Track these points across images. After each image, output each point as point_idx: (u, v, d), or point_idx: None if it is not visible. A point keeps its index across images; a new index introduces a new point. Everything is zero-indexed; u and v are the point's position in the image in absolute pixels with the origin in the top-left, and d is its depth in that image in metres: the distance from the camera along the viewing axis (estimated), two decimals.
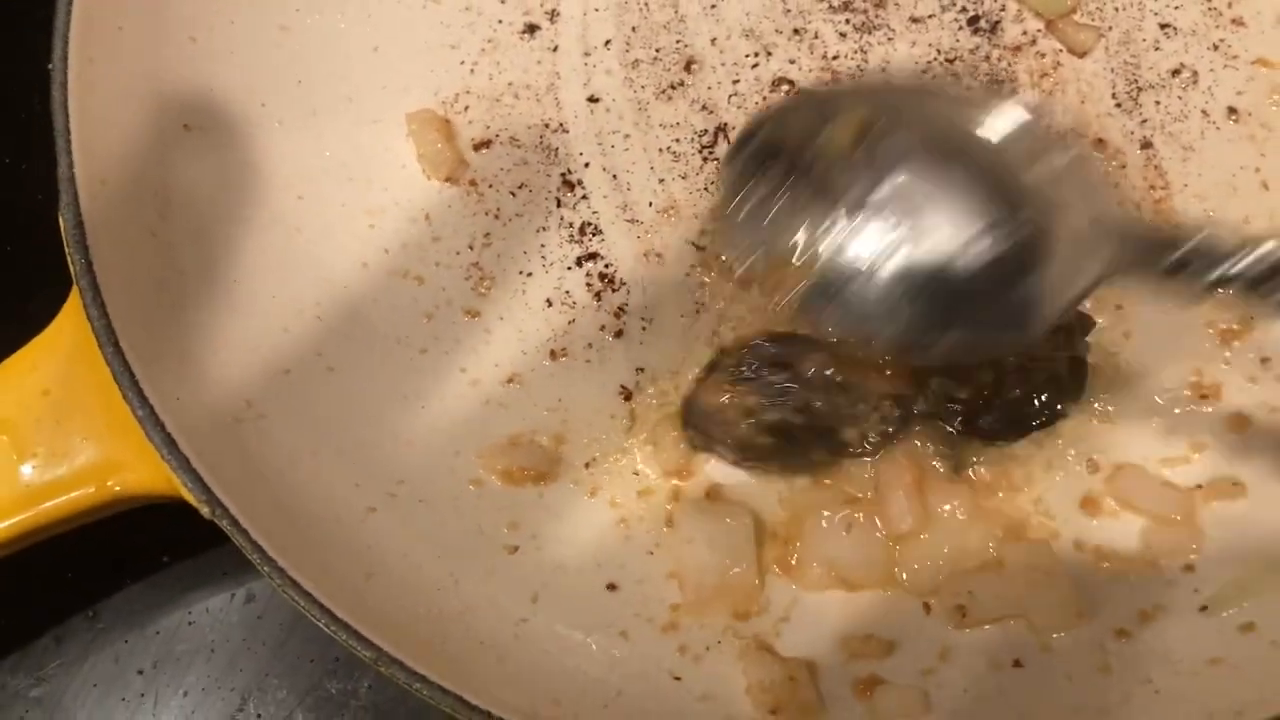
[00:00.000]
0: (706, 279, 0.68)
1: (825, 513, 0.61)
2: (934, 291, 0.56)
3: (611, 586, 0.63)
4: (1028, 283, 0.56)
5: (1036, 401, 0.61)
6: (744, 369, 0.61)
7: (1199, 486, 0.62)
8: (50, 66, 0.61)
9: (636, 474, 0.64)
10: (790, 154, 0.59)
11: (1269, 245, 0.51)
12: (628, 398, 0.66)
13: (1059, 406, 0.62)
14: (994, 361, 0.59)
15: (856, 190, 0.57)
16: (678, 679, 0.59)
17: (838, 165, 0.58)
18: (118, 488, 0.57)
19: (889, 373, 0.61)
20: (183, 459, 0.54)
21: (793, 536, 0.62)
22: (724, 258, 0.65)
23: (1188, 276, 0.52)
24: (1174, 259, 0.52)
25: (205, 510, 0.54)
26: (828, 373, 0.60)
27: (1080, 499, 0.63)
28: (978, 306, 0.56)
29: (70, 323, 0.60)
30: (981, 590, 0.60)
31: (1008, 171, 0.57)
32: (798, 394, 0.59)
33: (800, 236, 0.58)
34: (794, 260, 0.58)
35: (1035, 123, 0.57)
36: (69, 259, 0.58)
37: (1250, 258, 0.51)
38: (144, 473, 0.57)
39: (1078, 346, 0.60)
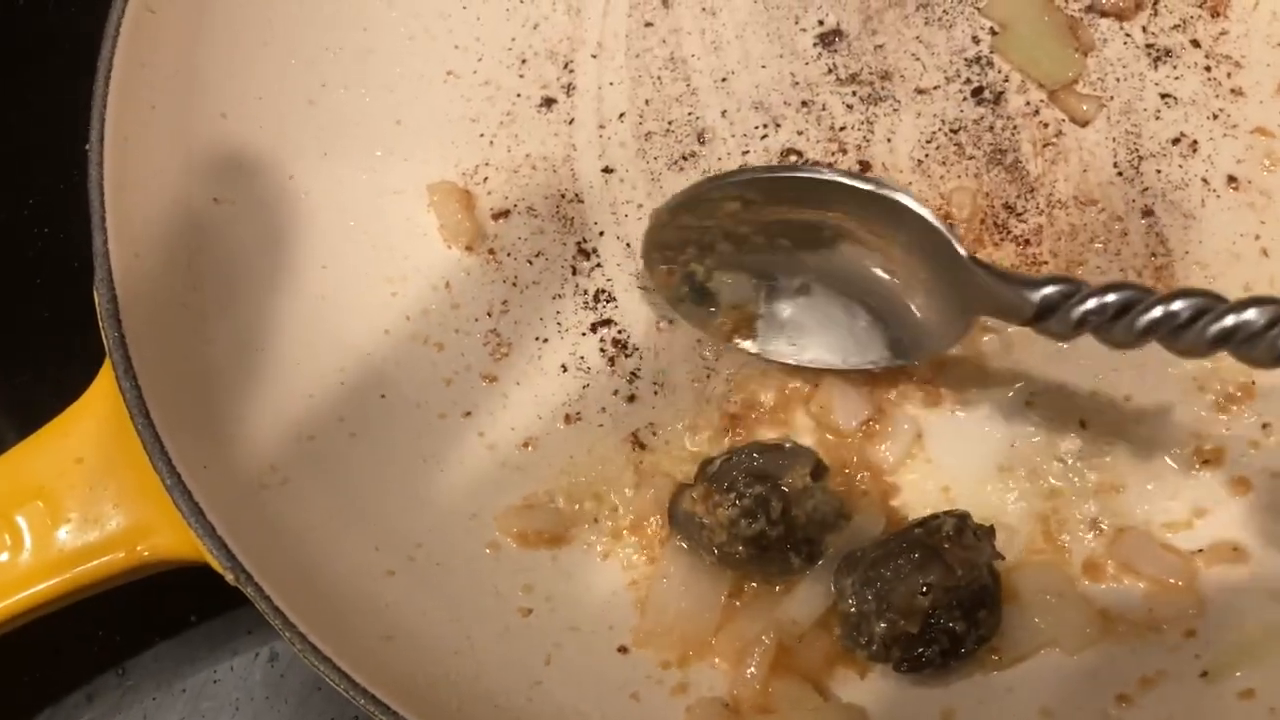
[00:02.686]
0: (707, 350, 0.70)
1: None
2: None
3: (623, 649, 0.64)
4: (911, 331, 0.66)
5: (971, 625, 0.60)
6: (726, 480, 0.62)
7: (1200, 551, 0.63)
8: (87, 147, 0.64)
9: (646, 538, 0.66)
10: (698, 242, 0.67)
11: (1112, 296, 0.56)
12: (639, 463, 0.67)
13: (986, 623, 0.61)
14: (928, 595, 0.59)
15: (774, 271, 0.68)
16: None
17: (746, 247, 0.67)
18: (147, 553, 0.60)
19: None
20: (208, 527, 0.57)
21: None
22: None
23: (1052, 324, 0.57)
24: (1033, 312, 0.58)
25: (230, 577, 0.56)
26: (809, 483, 0.62)
27: (1082, 563, 0.64)
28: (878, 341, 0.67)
29: (103, 392, 0.62)
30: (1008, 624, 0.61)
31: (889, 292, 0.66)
32: (776, 505, 0.61)
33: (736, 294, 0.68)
34: (742, 307, 0.68)
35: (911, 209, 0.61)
36: (102, 331, 0.60)
37: (1103, 300, 0.56)
38: (172, 539, 0.59)
39: (990, 554, 0.60)
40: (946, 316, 0.63)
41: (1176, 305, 0.55)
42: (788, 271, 0.68)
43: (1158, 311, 0.55)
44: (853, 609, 0.60)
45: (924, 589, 0.58)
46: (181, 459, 0.58)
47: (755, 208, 0.65)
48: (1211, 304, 0.54)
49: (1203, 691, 0.58)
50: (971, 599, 0.59)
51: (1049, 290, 0.57)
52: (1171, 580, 0.62)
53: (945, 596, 0.58)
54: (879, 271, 0.65)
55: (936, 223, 0.61)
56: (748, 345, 0.69)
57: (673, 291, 0.69)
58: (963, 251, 0.60)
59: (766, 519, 0.60)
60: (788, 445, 0.65)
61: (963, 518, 0.60)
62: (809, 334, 0.68)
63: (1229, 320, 0.54)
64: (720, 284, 0.68)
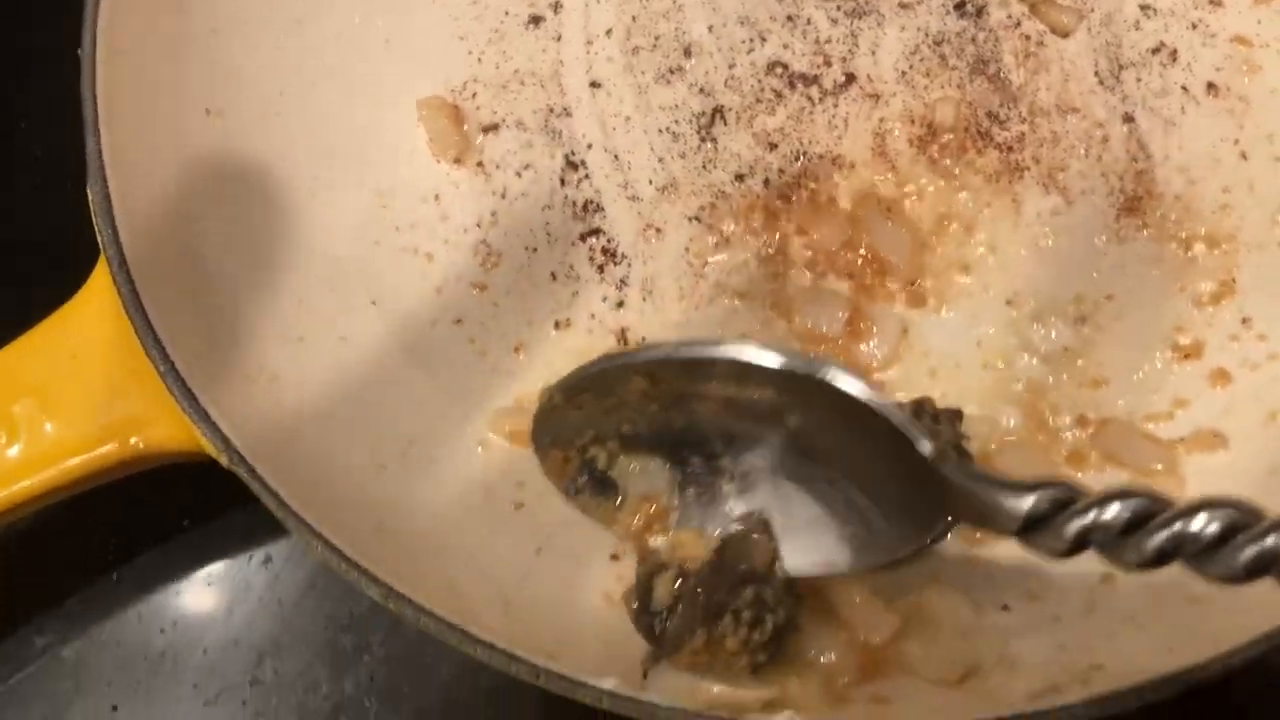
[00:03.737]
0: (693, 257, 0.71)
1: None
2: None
3: (614, 557, 0.64)
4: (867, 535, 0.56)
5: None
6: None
7: (1182, 440, 0.64)
8: (80, 51, 0.64)
9: None
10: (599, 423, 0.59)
11: (1116, 506, 0.47)
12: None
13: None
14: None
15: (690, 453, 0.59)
16: None
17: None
18: (141, 444, 0.60)
19: None
20: (202, 411, 0.57)
21: None
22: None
23: (1045, 539, 0.49)
24: (1018, 524, 0.49)
25: (224, 459, 0.57)
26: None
27: (1066, 455, 0.64)
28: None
29: (96, 290, 0.63)
30: None
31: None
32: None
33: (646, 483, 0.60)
34: (655, 498, 0.60)
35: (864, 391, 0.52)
36: (96, 228, 0.61)
37: (1104, 513, 0.47)
38: (165, 429, 0.60)
39: (954, 435, 0.58)
40: (914, 520, 0.54)
41: (1201, 521, 0.45)
42: (710, 459, 0.58)
43: (1175, 529, 0.46)
44: None
45: None
46: (175, 348, 0.59)
47: (668, 385, 0.56)
48: (1246, 518, 0.44)
49: (1184, 569, 0.59)
50: None
51: (1035, 500, 0.48)
52: (1154, 467, 0.63)
53: None
54: (827, 467, 0.56)
55: (889, 412, 0.51)
56: (660, 544, 0.59)
57: (568, 482, 0.60)
58: (927, 449, 0.51)
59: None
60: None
61: (920, 401, 0.60)
62: (736, 529, 0.58)
63: (1271, 540, 0.44)
64: (626, 472, 0.60)
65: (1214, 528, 0.45)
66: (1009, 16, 0.74)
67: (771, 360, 0.52)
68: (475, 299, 0.71)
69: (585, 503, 0.61)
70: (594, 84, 0.75)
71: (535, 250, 0.72)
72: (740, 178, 0.72)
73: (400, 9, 0.77)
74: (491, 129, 0.74)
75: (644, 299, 0.70)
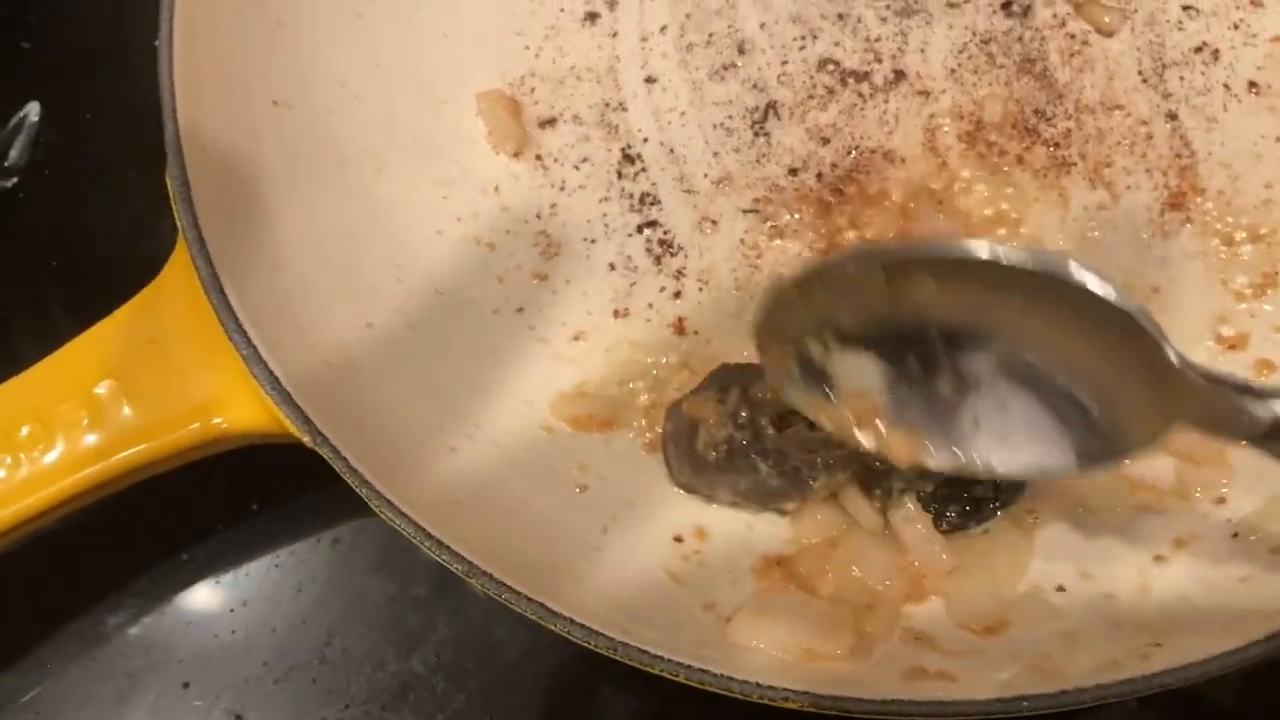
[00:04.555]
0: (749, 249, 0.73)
1: None
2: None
3: (678, 539, 0.66)
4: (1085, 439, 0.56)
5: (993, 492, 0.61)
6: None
7: None
8: (156, 43, 0.66)
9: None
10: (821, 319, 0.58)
11: None
12: (682, 348, 0.70)
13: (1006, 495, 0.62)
14: None
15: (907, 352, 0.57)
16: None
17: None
18: (224, 424, 0.61)
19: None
20: (284, 393, 0.59)
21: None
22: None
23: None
24: (1265, 428, 0.49)
25: (307, 439, 0.58)
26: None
27: None
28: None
29: (174, 276, 0.64)
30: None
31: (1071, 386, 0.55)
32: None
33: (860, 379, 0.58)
34: (867, 396, 0.58)
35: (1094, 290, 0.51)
36: (176, 215, 0.63)
37: None
38: (246, 410, 0.61)
39: None
40: (1140, 424, 0.53)
41: None
42: (928, 359, 0.57)
43: None
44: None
45: None
46: (255, 331, 0.60)
47: (902, 286, 0.54)
48: None
49: (1234, 549, 0.61)
50: None
51: None
52: (1201, 453, 0.65)
53: None
54: (1051, 368, 0.55)
55: (1138, 315, 0.50)
56: (869, 442, 0.59)
57: (783, 374, 0.59)
58: (1173, 354, 0.50)
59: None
60: None
61: None
62: (948, 435, 0.57)
63: None
64: (842, 367, 0.58)
65: None
66: (1054, 16, 0.76)
67: (1013, 257, 0.51)
68: (536, 288, 0.73)
69: (798, 395, 0.59)
70: (649, 79, 0.77)
71: (594, 241, 0.74)
72: (794, 171, 0.74)
73: (457, 4, 0.78)
74: (549, 123, 0.76)
75: (700, 289, 0.72)
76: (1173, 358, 0.50)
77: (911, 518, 0.62)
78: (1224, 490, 0.64)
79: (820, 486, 0.63)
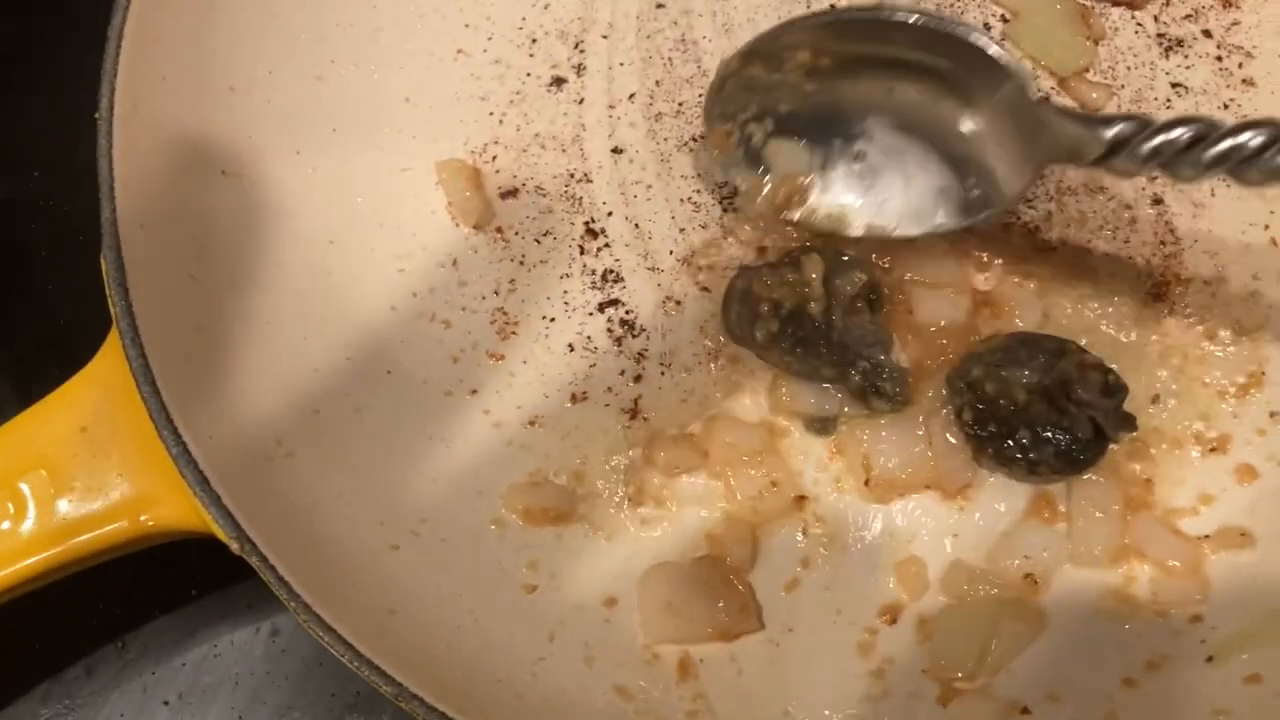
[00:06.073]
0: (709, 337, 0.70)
1: None
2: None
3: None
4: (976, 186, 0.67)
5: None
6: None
7: (1207, 537, 0.63)
8: (97, 116, 0.63)
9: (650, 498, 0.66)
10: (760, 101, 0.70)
11: (1180, 130, 0.56)
12: (630, 428, 0.68)
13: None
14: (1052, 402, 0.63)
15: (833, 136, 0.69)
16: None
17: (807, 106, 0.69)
18: (150, 523, 0.59)
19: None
20: (214, 495, 0.56)
21: None
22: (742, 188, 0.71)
23: (1121, 160, 0.58)
24: (1103, 149, 0.58)
25: (234, 546, 0.56)
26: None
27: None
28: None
29: (108, 361, 0.62)
30: None
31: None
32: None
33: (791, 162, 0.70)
34: (800, 176, 0.69)
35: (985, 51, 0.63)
36: (109, 300, 0.60)
37: (1171, 135, 0.57)
38: (175, 508, 0.59)
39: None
40: (1013, 166, 0.64)
41: (1245, 136, 0.55)
42: (847, 134, 0.69)
43: (1226, 144, 0.55)
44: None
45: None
46: (187, 427, 0.58)
47: (823, 57, 0.67)
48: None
49: (1208, 676, 0.58)
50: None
51: (1119, 128, 0.58)
52: (1177, 564, 0.62)
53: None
54: (944, 123, 0.66)
55: (1008, 62, 0.62)
56: (794, 215, 0.69)
57: (728, 154, 0.70)
58: (1033, 93, 0.62)
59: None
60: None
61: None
62: (863, 204, 0.68)
63: None
64: (776, 150, 0.70)
65: (1258, 140, 0.55)
66: (1038, 90, 0.73)
67: (924, 21, 0.64)
68: (491, 369, 0.70)
69: (739, 174, 0.70)
70: (616, 150, 0.74)
71: (553, 320, 0.71)
72: (763, 250, 0.71)
73: (420, 66, 0.76)
74: (511, 193, 0.73)
75: (662, 373, 0.69)
76: (1033, 94, 0.62)
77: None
78: (1200, 607, 0.61)
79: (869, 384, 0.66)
